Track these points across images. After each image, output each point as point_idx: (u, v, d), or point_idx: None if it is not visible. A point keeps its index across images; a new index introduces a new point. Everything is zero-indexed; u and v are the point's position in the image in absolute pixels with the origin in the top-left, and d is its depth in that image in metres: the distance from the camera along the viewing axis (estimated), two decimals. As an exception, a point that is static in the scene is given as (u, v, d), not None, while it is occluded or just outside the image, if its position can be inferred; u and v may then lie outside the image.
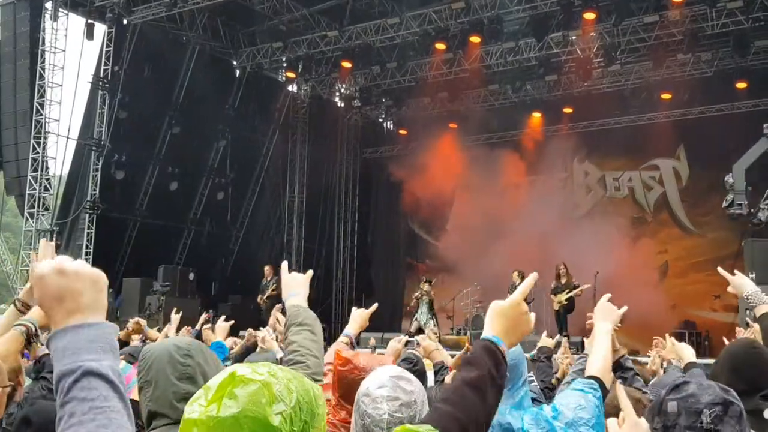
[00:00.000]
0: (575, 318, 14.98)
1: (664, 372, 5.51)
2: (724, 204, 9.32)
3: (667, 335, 6.19)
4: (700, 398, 2.17)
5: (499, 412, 2.60)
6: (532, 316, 2.13)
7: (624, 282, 19.55)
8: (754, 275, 12.91)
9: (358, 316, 3.80)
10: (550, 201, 20.48)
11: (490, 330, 2.07)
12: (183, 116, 19.47)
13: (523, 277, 15.86)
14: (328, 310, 21.76)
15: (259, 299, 17.48)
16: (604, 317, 2.97)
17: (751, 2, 15.75)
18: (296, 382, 1.48)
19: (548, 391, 4.75)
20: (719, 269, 4.07)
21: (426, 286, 16.92)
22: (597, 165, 21.36)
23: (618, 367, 3.47)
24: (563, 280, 15.76)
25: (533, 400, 2.98)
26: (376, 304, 4.22)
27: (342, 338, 3.62)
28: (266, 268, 17.90)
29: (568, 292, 15.55)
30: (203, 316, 8.29)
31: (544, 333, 6.03)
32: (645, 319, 16.55)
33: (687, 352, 4.80)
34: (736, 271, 3.86)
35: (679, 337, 14.62)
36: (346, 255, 24.59)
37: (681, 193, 20.64)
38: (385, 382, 2.23)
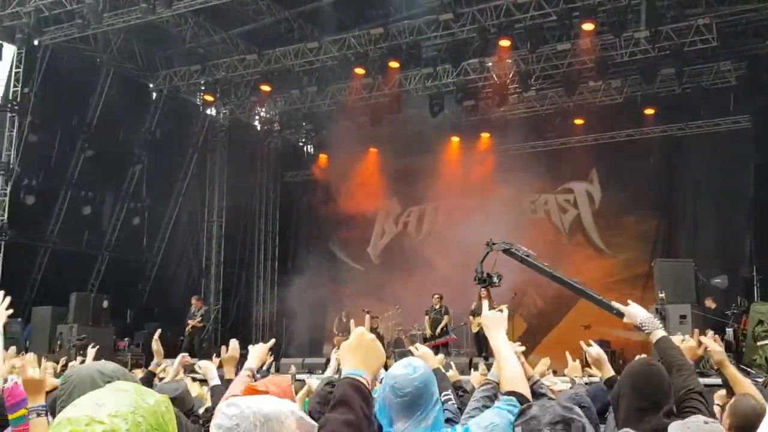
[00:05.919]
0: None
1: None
2: (474, 278, 12.95)
3: (567, 354, 6.32)
4: (541, 419, 2.26)
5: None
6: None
7: (540, 303, 19.89)
8: (663, 294, 13.38)
9: (257, 351, 3.91)
10: (468, 224, 20.72)
11: (348, 365, 2.15)
12: (97, 140, 18.93)
13: (441, 300, 16.05)
14: (249, 335, 21.40)
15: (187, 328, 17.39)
16: (494, 326, 3.01)
17: (658, 32, 16.44)
18: (142, 410, 1.41)
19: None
20: (613, 303, 4.21)
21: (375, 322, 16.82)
22: (514, 188, 21.74)
23: (532, 394, 3.52)
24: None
25: (447, 420, 2.99)
26: (273, 340, 4.48)
27: (244, 371, 3.65)
28: (193, 299, 18.09)
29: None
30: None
31: (452, 368, 5.85)
32: (562, 340, 16.94)
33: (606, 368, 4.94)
34: (629, 302, 3.96)
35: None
36: (266, 279, 24.30)
37: (594, 216, 21.18)
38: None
